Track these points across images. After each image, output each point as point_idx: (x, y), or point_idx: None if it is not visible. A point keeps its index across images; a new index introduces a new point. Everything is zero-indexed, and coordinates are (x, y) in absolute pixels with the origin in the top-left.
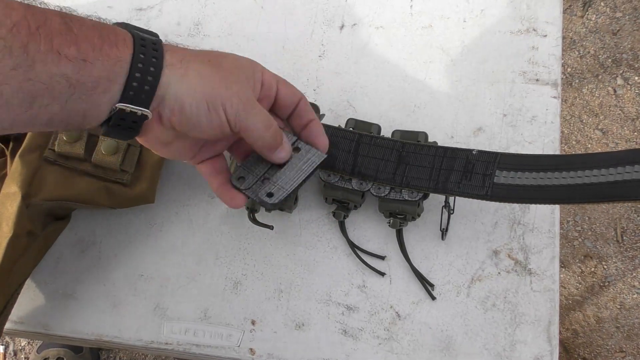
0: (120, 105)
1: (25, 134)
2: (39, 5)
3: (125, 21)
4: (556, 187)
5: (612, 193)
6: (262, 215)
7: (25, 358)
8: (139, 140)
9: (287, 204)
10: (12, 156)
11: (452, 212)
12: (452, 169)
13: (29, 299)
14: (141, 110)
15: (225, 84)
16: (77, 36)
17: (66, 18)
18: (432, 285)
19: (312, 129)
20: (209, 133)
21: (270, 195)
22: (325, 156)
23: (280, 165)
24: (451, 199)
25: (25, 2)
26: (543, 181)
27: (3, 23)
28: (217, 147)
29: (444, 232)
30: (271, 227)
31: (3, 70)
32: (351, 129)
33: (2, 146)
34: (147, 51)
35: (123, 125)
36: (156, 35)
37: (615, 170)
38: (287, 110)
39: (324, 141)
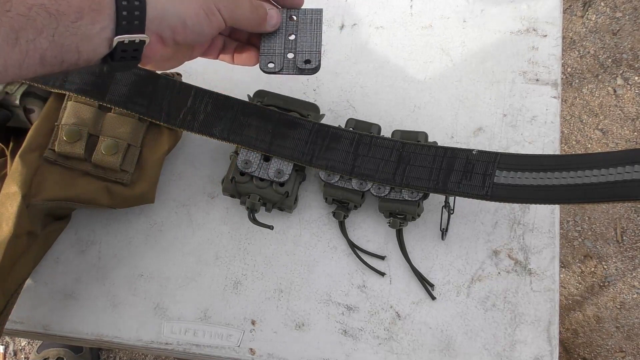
0: (118, 38)
1: (25, 134)
2: None
3: None
4: (556, 187)
5: (612, 193)
6: (262, 216)
7: (25, 358)
8: (142, 65)
9: (287, 203)
10: (12, 156)
11: (452, 212)
12: (452, 169)
13: (29, 299)
14: (139, 37)
15: None
16: None
17: None
18: (432, 285)
19: None
20: (210, 35)
21: (308, 62)
22: (322, 9)
23: (291, 35)
24: (451, 199)
25: None
26: (543, 181)
27: None
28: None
29: (444, 232)
30: (271, 227)
31: None
32: (351, 129)
33: (2, 146)
34: None
35: (126, 57)
36: None
37: (615, 170)
38: None
39: None
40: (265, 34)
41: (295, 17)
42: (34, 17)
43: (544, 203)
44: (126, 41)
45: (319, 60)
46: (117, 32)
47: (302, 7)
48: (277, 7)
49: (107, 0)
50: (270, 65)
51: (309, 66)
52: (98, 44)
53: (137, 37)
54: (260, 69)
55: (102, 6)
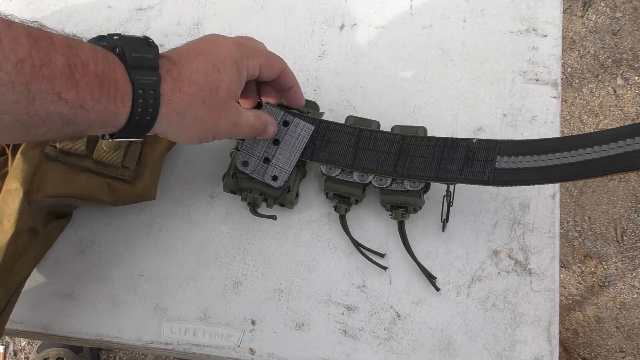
0: (116, 140)
1: None
2: (44, 29)
3: (125, 21)
4: (557, 167)
5: (614, 166)
6: (262, 212)
7: (25, 358)
8: None
9: (288, 198)
10: (13, 154)
11: (451, 204)
12: (453, 158)
13: (29, 299)
14: (135, 139)
15: (217, 122)
16: (78, 83)
17: (70, 59)
18: (434, 278)
19: (291, 95)
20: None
21: (275, 178)
22: (313, 128)
23: (276, 142)
24: (451, 189)
25: (32, 25)
26: (544, 162)
27: (8, 58)
28: None
29: (444, 223)
30: (274, 217)
31: (5, 102)
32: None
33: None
34: (144, 106)
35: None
36: (153, 46)
37: (616, 144)
38: (270, 80)
39: (301, 101)
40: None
41: (288, 123)
42: (49, 120)
43: (546, 183)
44: (122, 139)
45: (284, 181)
46: (118, 135)
47: (297, 119)
48: (279, 111)
49: (119, 122)
50: (244, 165)
51: (274, 183)
52: (97, 135)
53: (134, 140)
54: (235, 163)
55: (112, 125)
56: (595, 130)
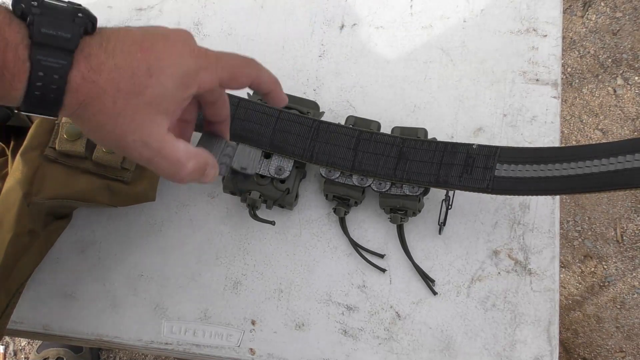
0: (22, 112)
1: (26, 133)
2: None
3: (125, 21)
4: (557, 178)
5: (614, 182)
6: (262, 213)
7: (25, 358)
8: None
9: (288, 200)
10: (13, 155)
11: (450, 207)
12: (453, 163)
13: (29, 299)
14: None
15: (123, 133)
16: None
17: None
18: (432, 281)
19: (271, 98)
20: None
21: (244, 168)
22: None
23: (233, 146)
24: (450, 193)
25: None
26: (544, 173)
27: None
28: None
29: (441, 226)
30: (273, 223)
31: None
32: (351, 125)
33: (3, 145)
34: (44, 90)
35: None
36: (79, 23)
37: (616, 159)
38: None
39: (283, 103)
40: (203, 139)
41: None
42: None
43: (546, 194)
44: (28, 114)
45: (254, 170)
46: (21, 109)
47: (241, 145)
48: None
49: (16, 99)
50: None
51: (244, 171)
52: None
53: (43, 116)
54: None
55: (11, 101)
56: (597, 143)
